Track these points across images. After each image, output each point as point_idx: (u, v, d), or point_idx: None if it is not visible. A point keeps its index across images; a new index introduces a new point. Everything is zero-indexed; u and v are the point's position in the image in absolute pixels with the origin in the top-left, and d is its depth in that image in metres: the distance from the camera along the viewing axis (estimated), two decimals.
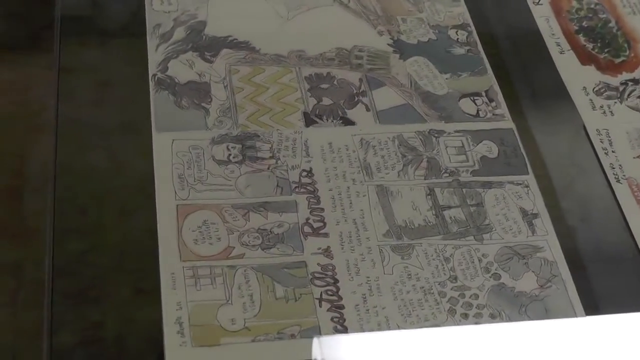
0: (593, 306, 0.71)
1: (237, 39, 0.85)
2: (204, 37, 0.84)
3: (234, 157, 0.76)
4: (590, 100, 0.85)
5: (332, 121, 0.80)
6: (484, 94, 0.84)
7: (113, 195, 0.73)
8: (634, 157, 0.80)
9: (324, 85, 0.82)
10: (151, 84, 0.80)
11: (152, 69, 0.81)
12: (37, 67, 0.81)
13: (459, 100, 0.83)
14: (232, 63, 0.83)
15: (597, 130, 0.83)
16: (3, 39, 0.84)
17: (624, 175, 0.79)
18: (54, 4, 0.84)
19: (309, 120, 0.80)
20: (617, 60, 0.89)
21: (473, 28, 0.90)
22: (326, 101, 0.81)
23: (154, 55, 0.82)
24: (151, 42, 0.83)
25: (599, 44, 0.90)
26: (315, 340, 0.66)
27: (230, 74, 0.82)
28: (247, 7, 0.88)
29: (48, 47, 0.82)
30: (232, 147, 0.77)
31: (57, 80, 0.78)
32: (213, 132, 0.77)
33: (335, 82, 0.83)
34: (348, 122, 0.80)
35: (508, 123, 0.82)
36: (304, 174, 0.76)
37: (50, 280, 0.66)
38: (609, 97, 0.86)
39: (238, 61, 0.83)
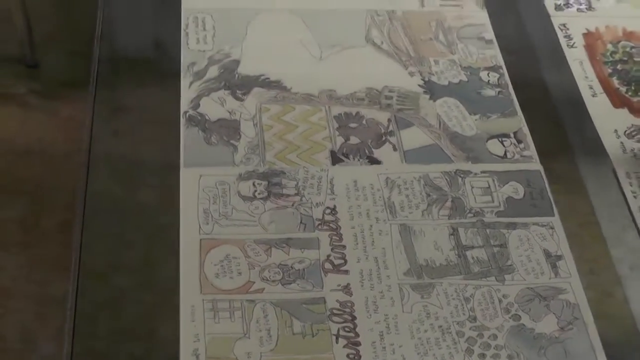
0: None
1: (269, 78, 0.86)
2: (236, 75, 0.86)
3: (259, 194, 0.77)
4: (622, 143, 0.85)
5: (359, 160, 0.81)
6: (512, 135, 0.84)
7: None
8: None
9: (353, 125, 0.83)
10: (182, 120, 0.82)
11: (185, 105, 0.83)
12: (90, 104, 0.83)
13: (487, 142, 0.84)
14: (263, 102, 0.84)
15: (626, 173, 0.82)
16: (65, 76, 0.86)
17: None
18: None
19: (335, 158, 0.81)
20: None
21: (505, 70, 0.90)
22: (354, 140, 0.82)
23: (187, 93, 0.84)
24: (185, 80, 0.85)
25: (632, 87, 0.90)
26: None
27: (261, 112, 0.83)
28: (281, 48, 0.89)
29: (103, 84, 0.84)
30: (258, 184, 0.78)
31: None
32: (240, 169, 0.79)
33: (364, 122, 0.84)
34: (374, 161, 0.81)
35: (535, 165, 0.82)
36: (328, 211, 0.76)
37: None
38: (639, 141, 0.85)
39: (269, 100, 0.85)
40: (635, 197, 0.80)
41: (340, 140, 0.82)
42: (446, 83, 0.88)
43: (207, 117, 0.82)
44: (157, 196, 0.76)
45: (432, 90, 0.87)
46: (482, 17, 0.94)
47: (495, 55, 0.91)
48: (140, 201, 0.76)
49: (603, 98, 0.89)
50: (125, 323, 0.68)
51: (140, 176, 0.78)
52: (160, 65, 0.88)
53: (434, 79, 0.88)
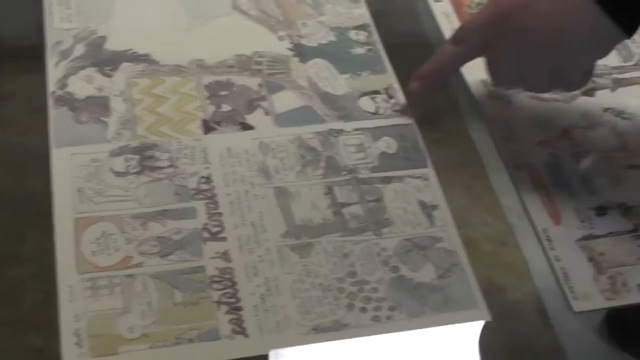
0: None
1: (137, 52, 0.85)
2: (104, 52, 0.85)
3: (132, 168, 0.77)
4: (491, 91, 0.86)
5: (231, 127, 0.81)
6: (383, 91, 0.85)
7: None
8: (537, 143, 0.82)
9: (223, 92, 0.83)
10: (50, 101, 0.80)
11: (52, 86, 0.82)
12: None
13: (358, 99, 0.84)
14: (132, 76, 0.84)
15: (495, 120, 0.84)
16: None
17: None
18: None
19: (208, 127, 0.80)
20: None
21: (373, 28, 0.91)
22: (225, 107, 0.82)
23: (54, 72, 0.83)
24: (51, 60, 0.84)
25: None
26: None
27: (130, 87, 0.83)
28: (147, 21, 0.89)
29: None
30: (130, 159, 0.77)
31: None
32: (112, 145, 0.78)
33: (234, 89, 0.84)
34: (247, 127, 0.81)
35: (407, 119, 0.83)
36: (203, 180, 0.76)
37: None
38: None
39: (138, 74, 0.84)
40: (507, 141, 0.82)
41: (212, 108, 0.82)
42: (316, 44, 0.89)
43: (75, 96, 0.81)
44: (36, 182, 0.75)
45: (302, 52, 0.88)
46: None
47: (363, 13, 0.92)
48: (23, 189, 0.75)
49: None
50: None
51: (16, 163, 0.77)
52: (24, 46, 0.86)
53: (303, 41, 0.89)
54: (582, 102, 0.86)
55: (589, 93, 0.87)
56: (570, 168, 0.80)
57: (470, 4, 0.94)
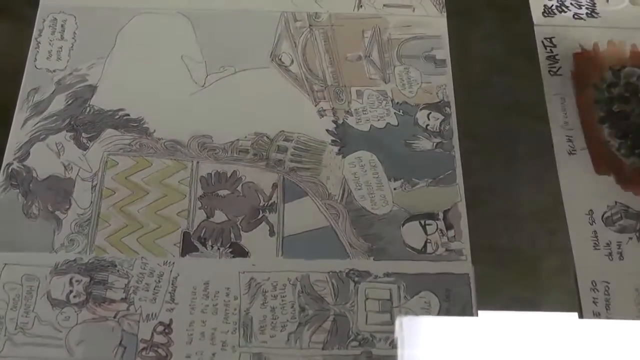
0: None
1: (128, 115, 0.65)
2: (88, 108, 0.66)
3: (75, 296, 0.58)
4: (594, 233, 0.61)
5: (219, 249, 0.60)
6: (441, 215, 0.61)
7: None
8: None
9: (223, 192, 0.62)
10: (1, 177, 0.62)
11: (10, 155, 0.63)
12: None
13: (403, 225, 0.61)
14: (112, 151, 0.64)
15: (592, 282, 0.59)
16: None
17: None
18: None
19: (187, 245, 0.60)
20: None
21: (453, 109, 0.66)
22: (219, 217, 0.61)
23: (18, 135, 0.64)
24: (19, 115, 0.65)
25: (629, 142, 0.65)
26: None
27: (105, 168, 0.63)
28: (154, 68, 0.67)
29: None
30: (76, 282, 0.58)
31: None
32: (58, 257, 0.59)
33: (239, 188, 0.62)
34: (240, 251, 0.60)
35: (465, 265, 0.60)
36: (160, 328, 0.57)
37: None
38: (622, 230, 0.61)
39: (121, 149, 0.64)
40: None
41: (201, 216, 0.61)
42: (367, 128, 0.65)
43: (34, 174, 0.62)
44: None
45: (345, 138, 0.65)
46: (439, 25, 0.70)
47: (444, 84, 0.67)
48: None
49: (584, 157, 0.64)
50: None
51: None
52: None
53: (350, 120, 0.65)
54: None
55: None
56: None
57: (599, 82, 0.67)
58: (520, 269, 0.60)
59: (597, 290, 0.59)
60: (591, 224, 0.61)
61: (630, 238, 0.61)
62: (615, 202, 0.62)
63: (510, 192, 0.63)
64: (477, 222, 0.61)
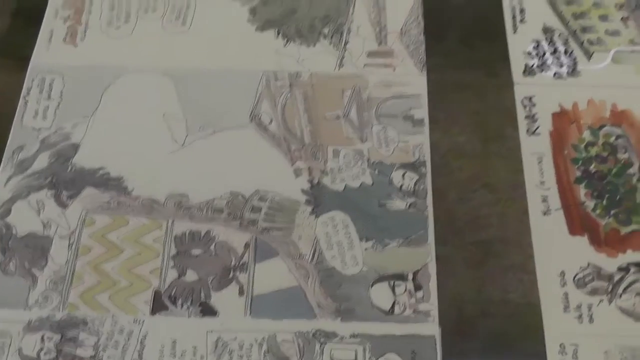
0: None
1: (108, 174, 0.67)
2: (70, 167, 0.67)
3: (45, 354, 0.59)
4: (565, 294, 0.61)
5: (188, 308, 0.61)
6: (410, 277, 0.62)
7: None
8: None
9: (196, 251, 0.63)
10: None
11: None
12: None
13: (372, 286, 0.61)
14: (90, 209, 0.65)
15: (561, 345, 0.59)
16: None
17: None
18: None
19: (158, 304, 0.61)
20: (625, 230, 0.64)
21: (428, 169, 0.66)
22: (190, 276, 0.62)
23: (1, 193, 0.66)
24: (3, 173, 0.66)
25: (604, 202, 0.65)
26: None
27: (83, 226, 0.64)
28: (138, 126, 0.69)
29: None
30: (48, 338, 0.59)
31: None
32: (32, 314, 0.60)
33: (212, 247, 0.63)
34: (209, 310, 0.61)
35: (432, 327, 0.60)
36: None
37: None
38: (593, 292, 0.61)
39: (99, 207, 0.65)
40: None
41: (172, 275, 0.62)
42: (341, 187, 0.66)
43: (14, 231, 0.64)
44: None
45: (319, 199, 0.65)
46: (419, 84, 0.70)
47: (421, 144, 0.68)
48: None
49: (558, 217, 0.64)
50: None
51: None
52: None
53: (325, 180, 0.66)
54: None
55: None
56: None
57: (577, 142, 0.67)
58: (488, 329, 0.60)
59: (566, 353, 0.58)
60: (562, 286, 0.61)
61: (601, 300, 0.60)
62: (588, 264, 0.62)
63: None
64: (447, 284, 0.61)
